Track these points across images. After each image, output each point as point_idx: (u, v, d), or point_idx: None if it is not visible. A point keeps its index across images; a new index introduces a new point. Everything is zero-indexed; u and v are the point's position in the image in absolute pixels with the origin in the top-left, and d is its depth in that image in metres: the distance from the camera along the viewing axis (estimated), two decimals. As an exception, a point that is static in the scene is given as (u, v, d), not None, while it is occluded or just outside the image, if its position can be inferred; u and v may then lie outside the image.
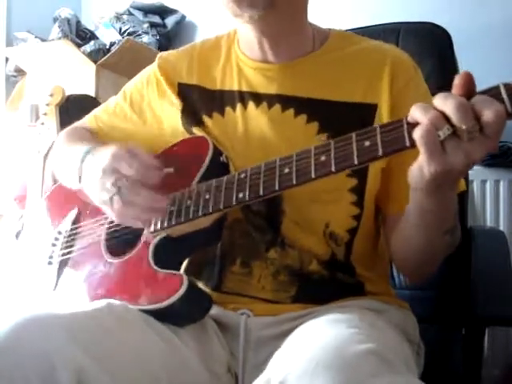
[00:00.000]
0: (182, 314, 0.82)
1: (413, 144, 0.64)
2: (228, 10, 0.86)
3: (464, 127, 0.60)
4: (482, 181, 1.96)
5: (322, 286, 0.90)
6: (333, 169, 0.70)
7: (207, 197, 0.82)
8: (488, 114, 0.59)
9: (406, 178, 0.72)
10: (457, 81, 0.63)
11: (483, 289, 1.03)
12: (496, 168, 1.94)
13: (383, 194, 0.92)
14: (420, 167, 0.66)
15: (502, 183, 1.95)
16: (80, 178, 0.90)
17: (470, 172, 1.20)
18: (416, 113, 0.63)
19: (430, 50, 1.23)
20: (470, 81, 0.63)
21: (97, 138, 1.07)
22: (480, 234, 1.19)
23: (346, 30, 1.13)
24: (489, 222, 1.95)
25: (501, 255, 1.11)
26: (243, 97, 0.95)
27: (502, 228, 1.90)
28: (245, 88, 0.95)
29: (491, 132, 0.60)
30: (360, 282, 0.92)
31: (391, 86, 0.90)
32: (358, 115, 0.89)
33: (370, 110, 0.90)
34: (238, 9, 0.85)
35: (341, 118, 0.89)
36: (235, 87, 0.96)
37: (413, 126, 0.64)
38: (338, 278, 0.91)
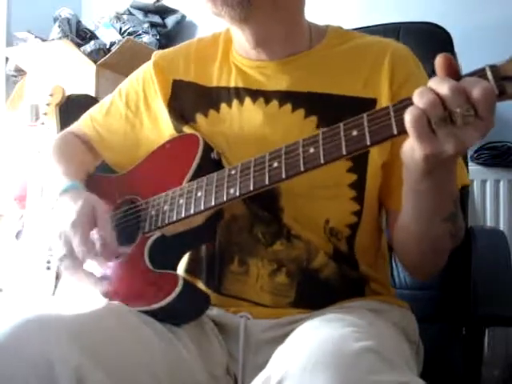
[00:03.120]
0: (179, 313, 0.83)
1: (400, 131, 0.64)
2: (208, 9, 0.86)
3: (458, 110, 0.60)
4: (482, 181, 1.96)
5: (323, 285, 0.89)
6: (322, 161, 0.70)
7: (199, 194, 0.82)
8: (476, 92, 0.59)
9: None
10: (437, 63, 0.63)
11: (483, 289, 1.03)
12: (496, 168, 1.94)
13: (385, 189, 0.92)
14: (411, 148, 0.65)
15: (501, 183, 1.95)
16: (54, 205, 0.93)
17: (470, 172, 1.20)
18: (415, 96, 0.63)
19: (430, 50, 1.22)
20: (450, 62, 0.63)
21: (92, 144, 1.08)
22: (480, 234, 1.19)
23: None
24: (489, 222, 1.95)
25: (501, 255, 1.11)
26: (239, 93, 0.94)
27: (502, 228, 1.90)
28: (241, 84, 0.95)
29: (482, 111, 0.60)
30: (363, 279, 0.92)
31: (391, 80, 0.89)
32: (357, 109, 0.87)
33: (370, 104, 0.89)
34: (214, 7, 0.85)
35: (340, 112, 0.86)
36: (232, 84, 0.95)
37: (400, 112, 0.64)
38: (344, 271, 0.90)
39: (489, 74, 0.61)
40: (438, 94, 0.61)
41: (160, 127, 1.01)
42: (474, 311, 1.00)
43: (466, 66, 0.66)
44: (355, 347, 0.62)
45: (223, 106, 0.95)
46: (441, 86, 0.61)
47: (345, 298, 0.89)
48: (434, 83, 0.62)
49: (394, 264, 1.20)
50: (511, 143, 1.89)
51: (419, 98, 0.62)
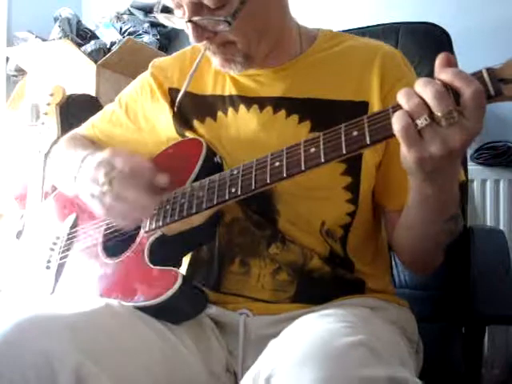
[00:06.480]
0: (177, 310, 0.83)
1: None
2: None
3: (439, 114, 0.62)
4: (482, 181, 1.96)
5: (322, 284, 0.90)
6: (322, 160, 0.71)
7: (201, 194, 0.82)
8: (466, 92, 0.61)
9: (403, 172, 0.72)
10: (437, 62, 0.65)
11: (483, 288, 1.03)
12: (496, 168, 1.94)
13: (382, 190, 0.93)
14: (404, 155, 0.67)
15: (501, 183, 1.96)
16: (75, 177, 0.91)
17: (470, 172, 1.20)
18: (400, 98, 0.65)
19: (430, 50, 1.23)
20: (449, 61, 0.64)
21: (95, 145, 1.08)
22: (480, 233, 1.19)
23: (345, 30, 1.13)
24: (489, 222, 1.95)
25: (501, 255, 1.12)
26: (234, 101, 0.96)
27: (502, 228, 1.90)
28: (236, 92, 0.96)
29: (470, 111, 0.61)
30: (360, 279, 0.92)
31: (382, 83, 0.90)
32: (349, 113, 0.86)
33: (362, 107, 0.90)
34: (221, 68, 0.91)
35: (332, 117, 0.87)
36: (226, 92, 0.97)
37: None
38: (339, 274, 0.91)
39: (485, 76, 0.62)
40: (422, 98, 0.63)
41: (159, 135, 1.02)
42: (473, 310, 1.00)
43: (465, 65, 0.66)
44: (344, 341, 0.62)
45: (219, 114, 0.96)
46: (425, 90, 0.63)
47: (343, 295, 0.89)
48: (419, 86, 0.64)
49: (393, 263, 1.20)
50: (511, 143, 1.89)
51: (405, 101, 0.64)
